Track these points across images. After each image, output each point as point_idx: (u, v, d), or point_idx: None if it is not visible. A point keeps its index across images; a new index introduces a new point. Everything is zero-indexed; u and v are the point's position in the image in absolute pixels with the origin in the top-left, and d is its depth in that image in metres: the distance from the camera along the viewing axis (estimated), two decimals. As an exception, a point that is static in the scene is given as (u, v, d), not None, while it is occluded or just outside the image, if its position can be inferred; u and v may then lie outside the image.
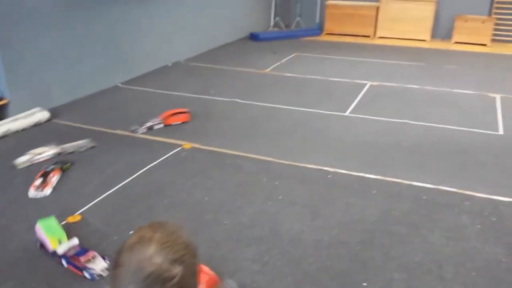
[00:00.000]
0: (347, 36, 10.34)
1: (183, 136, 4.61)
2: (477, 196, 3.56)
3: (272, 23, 11.19)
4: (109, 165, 4.01)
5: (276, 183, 3.76)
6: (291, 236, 3.08)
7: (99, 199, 3.47)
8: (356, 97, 5.95)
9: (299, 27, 10.91)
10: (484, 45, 9.50)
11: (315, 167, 4.01)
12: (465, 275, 2.70)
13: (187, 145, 4.41)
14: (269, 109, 5.49)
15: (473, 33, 9.59)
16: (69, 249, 2.73)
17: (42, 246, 2.81)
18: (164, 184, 3.72)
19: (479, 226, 3.18)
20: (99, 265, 2.67)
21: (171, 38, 7.49)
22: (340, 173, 3.91)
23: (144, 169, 3.94)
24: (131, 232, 3.07)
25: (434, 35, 10.14)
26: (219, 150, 4.33)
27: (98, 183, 3.69)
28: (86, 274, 2.61)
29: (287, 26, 10.99)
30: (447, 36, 9.98)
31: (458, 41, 9.71)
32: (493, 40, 9.67)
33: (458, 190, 3.63)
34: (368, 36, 10.32)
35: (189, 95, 6.02)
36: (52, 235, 2.79)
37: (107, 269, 2.64)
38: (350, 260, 2.84)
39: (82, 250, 2.75)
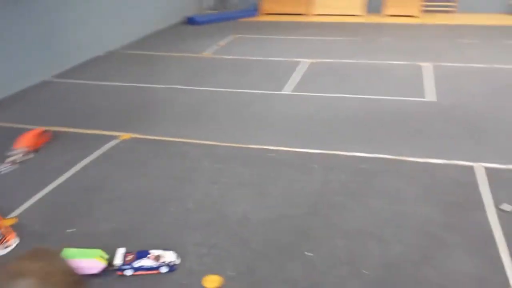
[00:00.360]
0: (284, 16, 10.40)
1: (121, 127, 4.49)
2: (411, 161, 3.74)
3: (208, 6, 11.02)
4: (42, 164, 3.84)
5: (221, 166, 3.75)
6: (238, 217, 3.10)
7: (34, 200, 3.32)
8: (296, 75, 6.02)
9: (236, 8, 10.83)
10: (415, 16, 9.88)
11: (257, 147, 4.04)
12: (403, 235, 2.85)
13: (125, 135, 4.30)
14: (210, 93, 5.45)
15: (404, 6, 9.96)
16: (126, 257, 2.63)
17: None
18: (104, 178, 3.61)
19: (414, 189, 3.35)
20: (170, 256, 2.65)
21: (103, 26, 7.20)
22: (282, 151, 3.97)
23: (82, 164, 3.81)
24: (70, 231, 2.99)
25: (368, 9, 10.42)
26: (160, 138, 4.26)
27: (31, 184, 3.52)
28: (164, 269, 2.60)
29: (224, 8, 10.88)
30: (380, 10, 10.29)
31: (390, 14, 10.04)
32: (423, 11, 10.08)
33: (394, 157, 3.80)
34: (304, 15, 10.44)
35: (125, 84, 5.84)
36: (91, 256, 2.60)
37: (177, 257, 2.66)
38: (295, 232, 2.92)
39: (140, 253, 2.68)
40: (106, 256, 2.67)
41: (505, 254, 2.66)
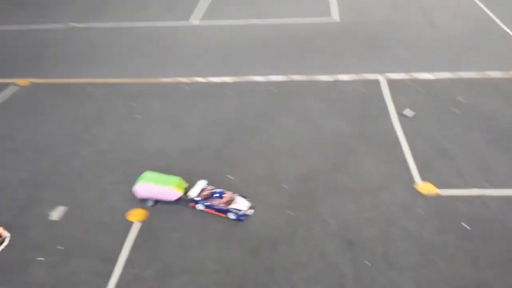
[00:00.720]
0: None
1: (17, 73, 4.10)
2: (320, 80, 3.89)
3: None
4: None
5: (132, 103, 3.63)
6: (156, 151, 3.08)
7: None
8: (202, 4, 5.80)
9: None
10: None
11: (169, 80, 3.95)
12: (316, 149, 3.04)
13: (22, 82, 3.95)
14: (110, 30, 5.10)
15: None
16: (202, 192, 2.62)
17: (156, 201, 2.62)
18: (7, 127, 3.36)
19: (324, 105, 3.53)
20: (243, 205, 2.57)
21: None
22: (195, 82, 3.92)
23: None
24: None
25: None
26: (62, 81, 3.98)
27: None
28: (231, 216, 2.55)
29: None
30: None
31: None
32: None
33: (303, 78, 3.92)
34: None
35: (14, 27, 5.26)
36: (168, 183, 2.54)
37: (250, 207, 2.61)
38: (215, 159, 2.98)
39: (216, 191, 2.61)
40: (185, 185, 2.70)
41: (409, 155, 2.96)
